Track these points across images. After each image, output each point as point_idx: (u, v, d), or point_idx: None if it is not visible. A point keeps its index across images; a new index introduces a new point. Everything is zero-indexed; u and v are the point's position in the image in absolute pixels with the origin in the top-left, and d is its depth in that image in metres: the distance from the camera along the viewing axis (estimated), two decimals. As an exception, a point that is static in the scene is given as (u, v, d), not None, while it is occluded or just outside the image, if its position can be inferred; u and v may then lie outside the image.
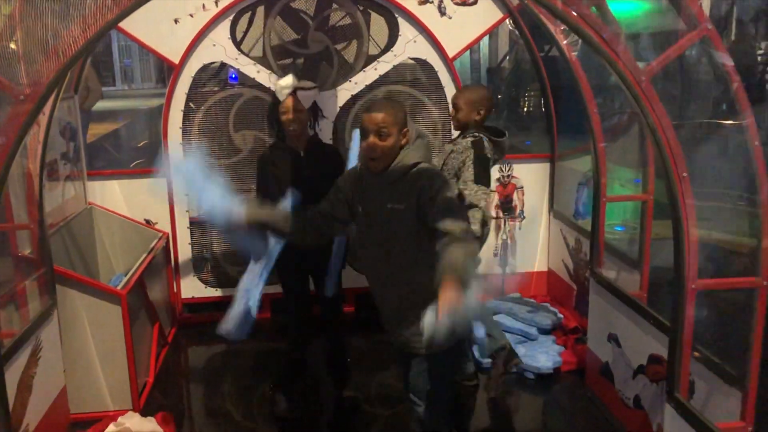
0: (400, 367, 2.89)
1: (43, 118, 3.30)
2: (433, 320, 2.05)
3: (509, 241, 5.15)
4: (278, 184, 3.48)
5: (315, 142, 3.70)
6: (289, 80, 3.53)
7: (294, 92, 3.51)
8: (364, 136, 2.51)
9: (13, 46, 2.58)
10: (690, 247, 2.40)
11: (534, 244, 5.17)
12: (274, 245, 3.02)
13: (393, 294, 2.66)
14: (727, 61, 2.32)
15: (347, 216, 2.73)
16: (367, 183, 2.62)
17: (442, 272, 2.17)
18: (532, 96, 12.65)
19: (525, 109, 13.05)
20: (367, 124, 2.50)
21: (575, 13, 2.26)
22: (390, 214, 2.53)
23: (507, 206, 5.10)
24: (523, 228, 5.15)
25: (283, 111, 3.52)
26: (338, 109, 4.75)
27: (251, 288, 3.09)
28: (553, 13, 2.22)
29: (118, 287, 3.65)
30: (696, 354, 2.78)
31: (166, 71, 4.65)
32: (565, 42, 3.92)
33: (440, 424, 2.82)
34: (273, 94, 3.61)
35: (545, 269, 5.17)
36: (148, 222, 4.76)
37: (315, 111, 3.71)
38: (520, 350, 4.21)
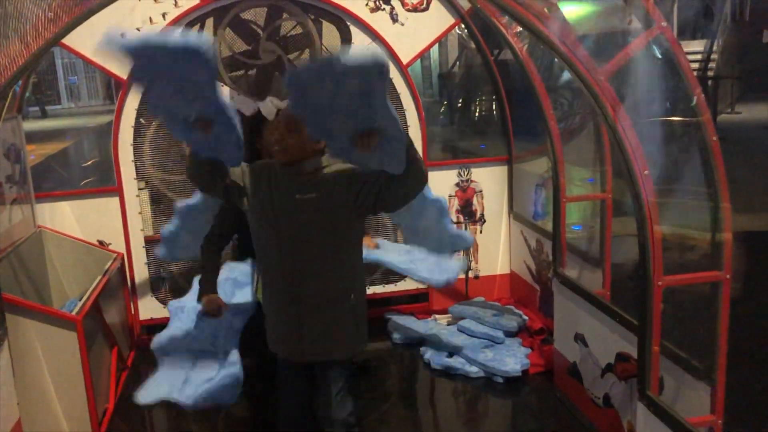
0: (297, 384, 2.79)
1: (-15, 140, 3.16)
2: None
3: (471, 247, 5.14)
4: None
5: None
6: (276, 102, 3.47)
7: (277, 113, 3.45)
8: (274, 128, 2.55)
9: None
10: (655, 245, 2.41)
11: (496, 247, 5.18)
12: None
13: (300, 289, 2.57)
14: (682, 58, 2.35)
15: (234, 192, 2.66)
16: (273, 180, 2.59)
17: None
18: (484, 100, 12.77)
19: (478, 113, 13.16)
20: (279, 119, 2.54)
21: (530, 13, 2.25)
22: (299, 206, 2.51)
23: (467, 210, 5.10)
24: (484, 231, 5.15)
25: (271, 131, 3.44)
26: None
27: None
28: (514, 17, 2.21)
29: (73, 312, 3.51)
30: (656, 349, 2.79)
31: (114, 87, 4.52)
32: (522, 46, 3.94)
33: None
34: (248, 119, 3.51)
35: (508, 272, 5.18)
36: (101, 243, 4.61)
37: None
38: (488, 354, 4.21)
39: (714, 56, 13.87)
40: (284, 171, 2.56)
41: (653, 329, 2.51)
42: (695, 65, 13.86)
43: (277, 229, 2.57)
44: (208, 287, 3.18)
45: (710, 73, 13.58)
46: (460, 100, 13.96)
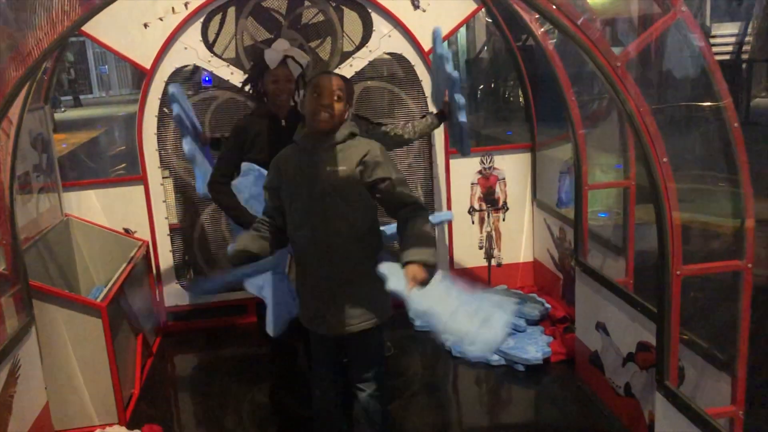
0: (327, 356, 2.90)
1: (11, 127, 3.22)
2: (402, 288, 2.41)
3: (494, 233, 5.12)
4: (258, 152, 3.42)
5: (296, 112, 3.58)
6: (284, 45, 3.47)
7: (284, 60, 3.46)
8: (319, 93, 2.58)
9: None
10: (674, 233, 2.37)
11: (519, 234, 5.15)
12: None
13: (331, 272, 2.68)
14: (702, 43, 2.30)
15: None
16: (303, 157, 2.67)
17: (412, 244, 2.54)
18: (510, 86, 12.65)
19: (504, 100, 13.05)
20: (327, 83, 2.58)
21: (550, 2, 2.22)
22: (332, 177, 2.60)
23: (490, 198, 5.07)
24: (507, 219, 5.12)
25: (274, 79, 3.44)
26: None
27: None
28: (526, 2, 2.18)
29: (98, 299, 3.58)
30: (684, 337, 2.76)
31: (139, 76, 4.58)
32: (541, 30, 3.88)
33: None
34: (258, 57, 3.52)
35: (531, 260, 5.15)
36: (127, 231, 4.68)
37: (298, 82, 3.61)
38: (510, 342, 4.19)
39: (749, 39, 13.52)
40: (313, 144, 2.64)
41: (672, 318, 2.48)
42: (729, 48, 13.53)
43: (306, 200, 2.65)
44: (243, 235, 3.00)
45: (744, 57, 13.25)
46: (482, 87, 13.85)
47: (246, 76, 3.74)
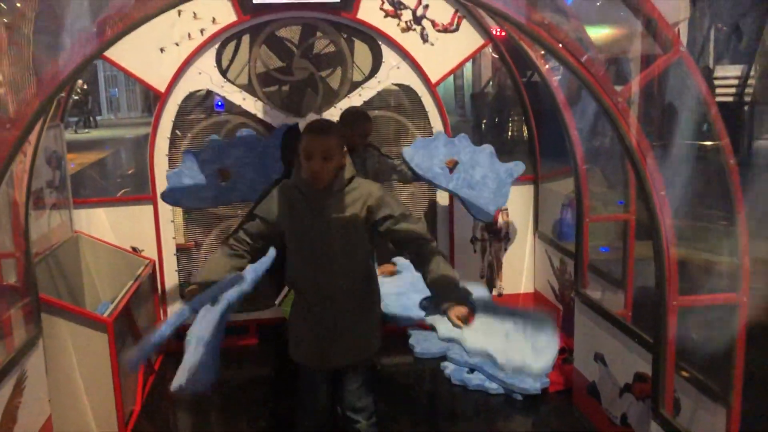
0: (321, 387, 2.94)
1: (29, 147, 3.31)
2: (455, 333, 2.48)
3: (495, 263, 5.18)
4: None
5: None
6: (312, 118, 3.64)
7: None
8: (308, 157, 2.59)
9: (-1, 76, 2.60)
10: (670, 265, 2.44)
11: (520, 265, 5.21)
12: (229, 288, 2.75)
13: (334, 310, 2.75)
14: (701, 83, 2.39)
15: (268, 241, 2.82)
16: (304, 203, 2.71)
17: (443, 286, 2.59)
18: (515, 120, 12.81)
19: (509, 134, 13.20)
20: (314, 146, 2.58)
21: (553, 39, 2.32)
22: (333, 225, 2.66)
23: (492, 228, 5.15)
24: (509, 250, 5.19)
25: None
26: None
27: (205, 336, 2.67)
28: (533, 38, 2.28)
29: (104, 315, 3.63)
30: (684, 373, 2.80)
31: (152, 100, 4.70)
32: (546, 66, 4.00)
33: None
34: (290, 129, 3.69)
35: (531, 290, 5.20)
36: (134, 249, 4.76)
37: None
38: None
39: (751, 81, 13.70)
40: (314, 192, 2.67)
41: (667, 348, 2.54)
42: (731, 90, 13.71)
43: (311, 246, 2.71)
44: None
45: (747, 99, 13.42)
46: (486, 120, 14.01)
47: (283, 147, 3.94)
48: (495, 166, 4.40)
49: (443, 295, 2.61)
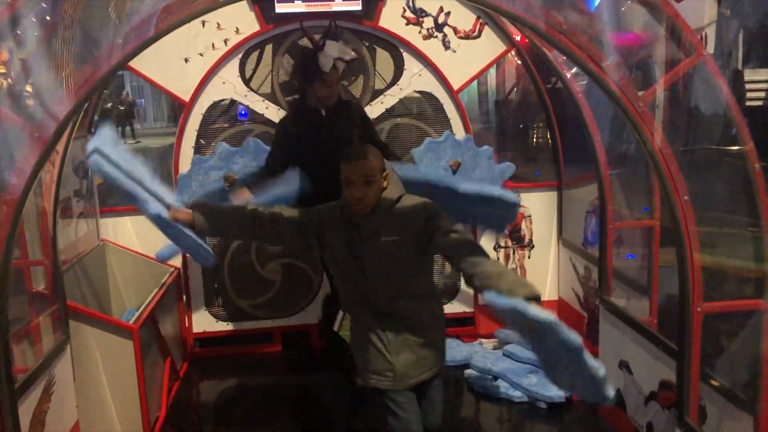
0: (405, 408, 2.79)
1: (56, 157, 3.37)
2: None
3: (519, 270, 5.15)
4: (300, 145, 3.68)
5: (336, 102, 3.90)
6: (334, 50, 3.68)
7: (334, 64, 3.70)
8: (348, 184, 2.58)
9: (28, 87, 2.66)
10: (694, 271, 2.41)
11: (544, 273, 5.17)
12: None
13: (396, 324, 2.72)
14: (724, 86, 2.37)
15: (298, 240, 2.81)
16: (350, 229, 2.68)
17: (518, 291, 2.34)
18: (540, 127, 12.73)
19: (534, 140, 13.12)
20: (353, 173, 2.56)
21: (573, 43, 2.31)
22: (384, 247, 2.63)
23: (516, 235, 5.12)
24: (533, 257, 5.16)
25: (328, 84, 3.74)
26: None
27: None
28: (553, 44, 2.28)
29: (130, 322, 3.68)
30: (713, 382, 2.76)
31: (177, 110, 4.76)
32: (570, 73, 3.98)
33: None
34: (305, 55, 3.75)
35: (556, 298, 5.16)
36: (160, 257, 4.81)
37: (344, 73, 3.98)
38: (532, 379, 4.19)
39: (781, 85, 13.46)
40: (361, 218, 2.65)
41: (692, 355, 2.50)
42: (761, 94, 13.49)
43: (368, 271, 2.70)
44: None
45: (777, 103, 13.18)
46: (511, 126, 13.96)
47: (295, 71, 4.07)
48: (491, 168, 4.59)
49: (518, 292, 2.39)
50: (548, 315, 2.26)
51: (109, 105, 22.49)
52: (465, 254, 2.50)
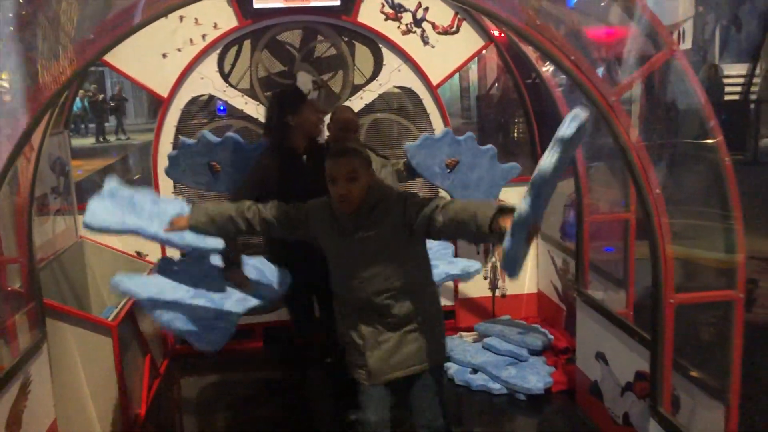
0: (379, 404, 2.83)
1: (32, 153, 3.35)
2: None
3: (498, 264, 5.18)
4: (278, 191, 3.33)
5: (315, 145, 3.66)
6: (308, 74, 3.57)
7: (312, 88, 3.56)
8: (333, 181, 2.59)
9: (4, 83, 2.64)
10: (667, 262, 2.45)
11: (523, 266, 5.20)
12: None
13: (372, 321, 2.74)
14: (695, 81, 2.40)
15: (296, 234, 2.83)
16: (337, 227, 2.70)
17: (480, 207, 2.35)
18: (520, 122, 12.80)
19: (514, 135, 13.19)
20: (337, 170, 2.57)
21: (546, 39, 2.33)
22: (359, 244, 2.65)
23: (495, 230, 5.14)
24: (512, 251, 5.18)
25: (316, 109, 3.59)
26: (326, 137, 4.82)
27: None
28: (525, 39, 2.30)
29: (109, 319, 3.66)
30: (693, 373, 2.80)
31: (157, 106, 4.73)
32: (544, 69, 4.01)
33: None
34: (282, 90, 3.63)
35: (535, 291, 5.21)
36: (139, 254, 4.79)
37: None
38: (511, 372, 4.23)
39: (757, 80, 13.66)
40: (347, 216, 2.66)
41: (665, 346, 2.54)
42: (737, 89, 13.67)
43: (348, 267, 2.72)
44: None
45: (753, 97, 13.37)
46: (491, 121, 14.02)
47: (274, 108, 3.67)
48: (493, 169, 4.41)
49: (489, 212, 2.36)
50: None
51: (100, 98, 22.38)
52: (438, 212, 2.49)
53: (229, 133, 4.29)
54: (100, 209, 3.03)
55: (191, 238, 3.07)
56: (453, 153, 4.33)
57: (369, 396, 2.81)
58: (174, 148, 4.70)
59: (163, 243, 3.19)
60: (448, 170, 4.30)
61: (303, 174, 3.51)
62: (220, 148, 4.00)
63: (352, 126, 3.98)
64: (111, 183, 3.14)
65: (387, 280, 2.70)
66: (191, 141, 4.02)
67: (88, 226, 3.00)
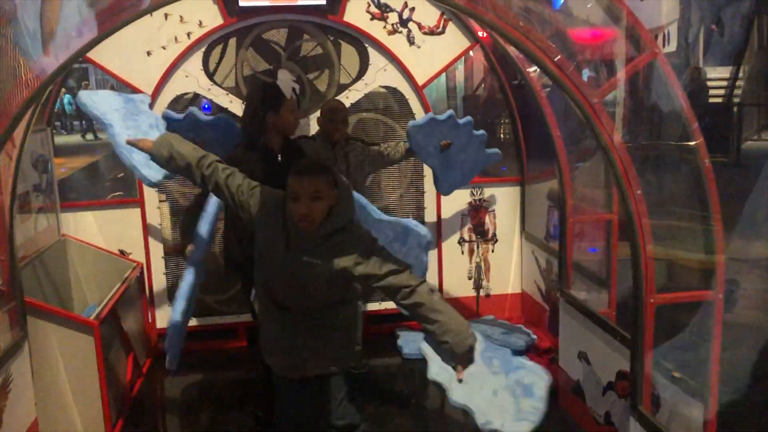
0: (295, 395, 2.87)
1: (14, 150, 3.32)
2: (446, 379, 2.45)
3: (483, 264, 5.21)
4: None
5: (291, 147, 3.62)
6: (288, 75, 3.52)
7: (293, 89, 3.51)
8: (295, 199, 2.46)
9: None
10: (647, 263, 2.47)
11: (507, 266, 5.24)
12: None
13: (293, 321, 2.71)
14: (676, 83, 2.42)
15: (233, 205, 2.73)
16: (284, 238, 2.60)
17: (458, 345, 2.50)
18: (506, 123, 12.84)
19: (500, 136, 13.22)
20: (302, 188, 2.45)
21: (529, 40, 2.35)
22: (301, 266, 2.56)
23: (480, 229, 5.18)
24: (496, 250, 5.22)
25: (292, 108, 3.49)
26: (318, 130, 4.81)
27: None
28: (507, 39, 2.31)
29: (91, 318, 3.64)
30: (673, 373, 2.84)
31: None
32: (530, 70, 4.03)
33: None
34: (264, 85, 3.60)
35: (519, 291, 5.24)
36: (122, 252, 4.77)
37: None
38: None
39: (740, 83, 13.80)
40: (301, 233, 2.54)
41: (645, 345, 2.57)
42: (720, 91, 13.80)
43: (281, 274, 2.64)
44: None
45: (736, 100, 13.51)
46: (477, 122, 14.05)
47: (253, 104, 3.59)
48: (479, 152, 4.48)
49: (455, 357, 2.56)
50: (438, 377, 2.96)
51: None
52: (404, 296, 2.54)
53: (222, 114, 4.24)
54: (99, 95, 3.34)
55: (138, 162, 3.18)
56: (450, 136, 4.34)
57: (285, 390, 2.87)
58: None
59: (115, 150, 3.22)
60: (441, 150, 4.35)
61: (278, 173, 3.45)
62: (209, 127, 3.93)
63: (340, 115, 4.03)
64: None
65: (316, 296, 2.65)
66: (178, 115, 3.92)
67: (80, 98, 3.26)
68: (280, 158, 3.53)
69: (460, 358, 2.53)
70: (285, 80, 3.51)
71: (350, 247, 2.53)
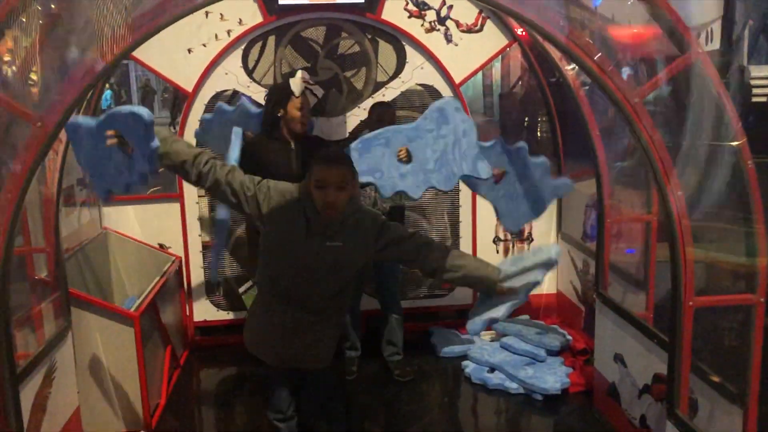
0: (280, 384, 3.07)
1: (60, 145, 3.41)
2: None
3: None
4: (261, 174, 3.42)
5: (307, 140, 3.89)
6: (305, 76, 3.78)
7: (304, 90, 3.76)
8: (321, 187, 2.52)
9: (33, 76, 2.69)
10: (687, 265, 2.44)
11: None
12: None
13: (300, 313, 2.76)
14: (718, 83, 2.39)
15: (234, 206, 2.70)
16: (304, 226, 2.63)
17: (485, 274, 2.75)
18: (544, 121, 12.73)
19: (537, 134, 13.11)
20: (329, 177, 2.51)
21: (569, 39, 2.33)
22: (326, 250, 2.63)
23: (515, 229, 5.13)
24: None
25: (300, 106, 3.74)
26: (347, 134, 4.85)
27: None
28: (546, 37, 2.30)
29: (131, 309, 3.72)
30: (714, 379, 2.79)
31: (181, 100, 4.78)
32: (570, 68, 3.99)
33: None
34: (283, 84, 3.85)
35: (554, 291, 5.20)
36: (161, 246, 4.86)
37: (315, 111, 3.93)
38: (529, 371, 4.23)
39: (786, 82, 13.43)
40: (319, 218, 2.61)
41: (683, 348, 2.53)
42: (765, 90, 13.45)
43: (296, 265, 2.68)
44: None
45: (782, 99, 13.15)
46: (514, 120, 13.96)
47: (267, 100, 3.97)
48: (544, 182, 3.65)
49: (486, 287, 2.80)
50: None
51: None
52: (425, 254, 2.68)
53: (243, 98, 4.31)
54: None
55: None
56: (500, 163, 3.75)
57: (272, 375, 3.03)
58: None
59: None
60: (496, 181, 3.76)
61: (288, 160, 3.78)
62: (257, 119, 3.96)
63: (386, 117, 4.11)
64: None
65: (330, 286, 2.72)
66: (230, 107, 4.01)
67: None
68: (293, 146, 3.80)
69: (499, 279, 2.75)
70: (297, 80, 3.70)
71: (368, 223, 2.67)
